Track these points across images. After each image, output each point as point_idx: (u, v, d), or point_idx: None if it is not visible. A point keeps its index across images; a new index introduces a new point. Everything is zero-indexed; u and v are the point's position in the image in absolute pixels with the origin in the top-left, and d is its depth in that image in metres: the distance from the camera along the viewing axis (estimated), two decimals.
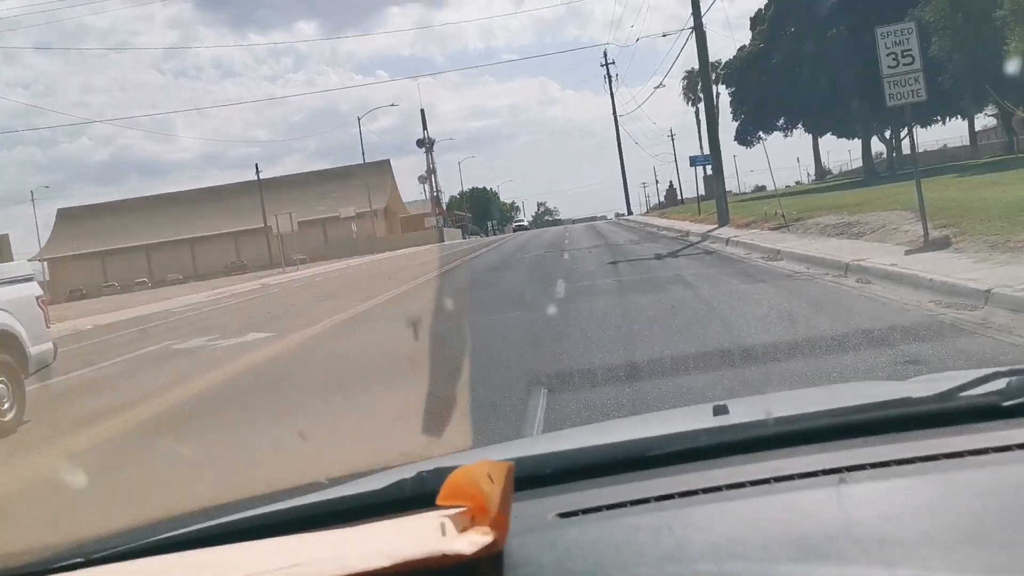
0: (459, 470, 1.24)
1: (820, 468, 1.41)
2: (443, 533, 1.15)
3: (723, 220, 24.94)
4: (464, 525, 1.16)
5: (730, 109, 51.96)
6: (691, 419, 1.90)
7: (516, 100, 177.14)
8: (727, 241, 18.12)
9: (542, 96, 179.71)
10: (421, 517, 1.22)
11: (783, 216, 17.55)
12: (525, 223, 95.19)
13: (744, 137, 52.90)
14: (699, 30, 25.56)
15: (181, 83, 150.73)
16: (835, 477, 1.38)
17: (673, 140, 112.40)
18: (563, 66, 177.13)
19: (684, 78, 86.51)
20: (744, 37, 48.49)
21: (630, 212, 64.16)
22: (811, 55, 37.34)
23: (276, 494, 1.66)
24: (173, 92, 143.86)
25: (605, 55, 64.65)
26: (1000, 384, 1.64)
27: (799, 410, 1.71)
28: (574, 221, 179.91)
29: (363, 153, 79.03)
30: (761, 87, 40.49)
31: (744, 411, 1.84)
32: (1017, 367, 1.75)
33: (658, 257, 17.42)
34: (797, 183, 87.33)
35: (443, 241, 76.78)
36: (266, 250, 79.07)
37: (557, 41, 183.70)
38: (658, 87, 40.52)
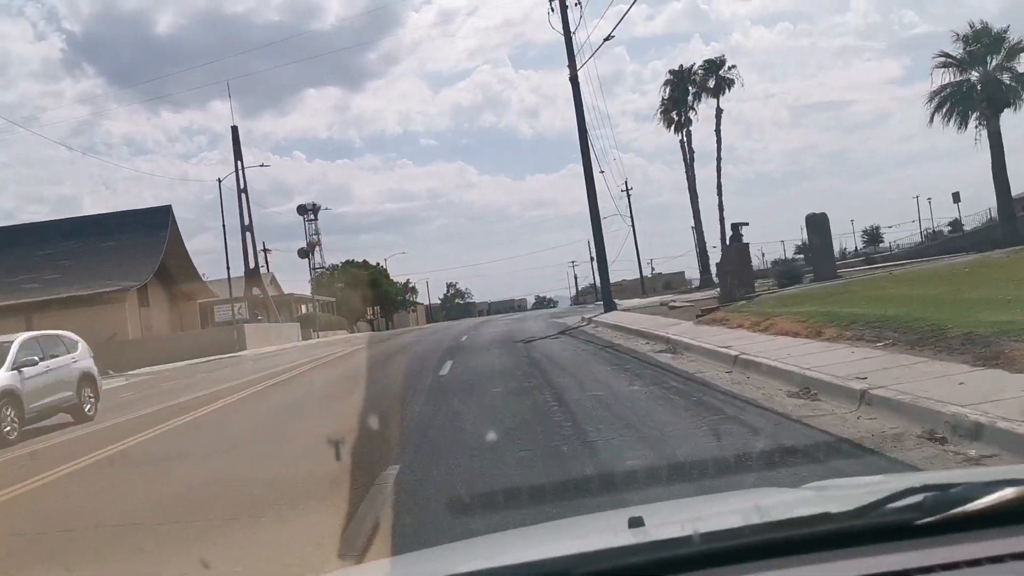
0: None
1: None
2: None
3: None
4: None
5: None
6: (607, 530, 2.03)
7: (434, 184, 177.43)
8: None
9: (460, 180, 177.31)
10: None
11: None
12: None
13: None
14: None
15: (88, 159, 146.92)
16: None
17: (629, 196, 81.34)
18: (480, 151, 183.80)
19: (666, 83, 55.17)
20: None
21: (608, 301, 29.67)
22: None
23: None
24: (80, 167, 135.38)
25: None
26: (916, 499, 1.69)
27: (719, 525, 1.77)
28: (488, 309, 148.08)
29: None
30: None
31: (661, 521, 1.96)
32: (931, 482, 1.83)
33: None
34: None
35: (239, 350, 42.18)
36: None
37: (475, 127, 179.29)
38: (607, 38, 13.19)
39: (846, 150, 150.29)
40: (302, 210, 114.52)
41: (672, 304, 23.54)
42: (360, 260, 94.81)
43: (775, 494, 2.77)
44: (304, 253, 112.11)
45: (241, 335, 44.89)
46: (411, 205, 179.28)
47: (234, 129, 56.45)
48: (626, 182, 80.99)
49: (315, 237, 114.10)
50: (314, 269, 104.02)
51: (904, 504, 1.69)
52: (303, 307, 77.79)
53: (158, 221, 51.51)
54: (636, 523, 1.82)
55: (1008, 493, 1.66)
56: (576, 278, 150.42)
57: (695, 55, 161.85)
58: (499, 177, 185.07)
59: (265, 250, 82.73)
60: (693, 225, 55.80)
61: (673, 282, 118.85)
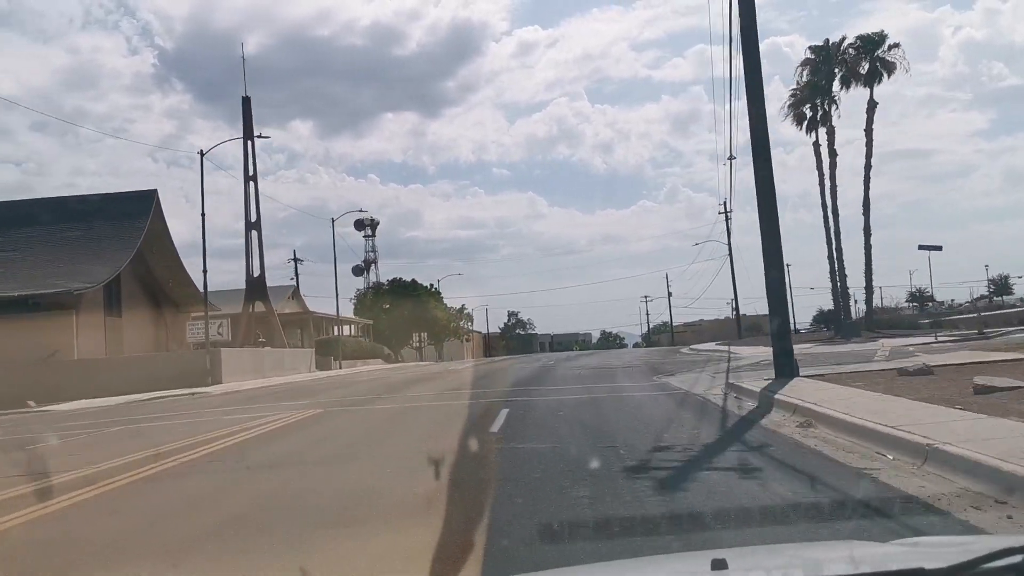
0: None
1: None
2: None
3: None
4: None
5: None
6: (689, 571, 2.01)
7: (504, 213, 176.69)
8: None
9: (529, 211, 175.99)
10: None
11: None
12: None
13: None
14: None
15: (172, 171, 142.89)
16: None
17: (728, 219, 67.93)
18: (552, 183, 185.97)
19: (804, 63, 42.26)
20: None
21: (786, 359, 14.88)
22: None
23: None
24: (164, 180, 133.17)
25: None
26: (1015, 559, 1.63)
27: (813, 573, 1.74)
28: (551, 341, 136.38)
29: None
30: None
31: (746, 566, 1.94)
32: None
33: None
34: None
35: (212, 383, 30.45)
36: None
37: (547, 159, 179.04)
38: None
39: (925, 200, 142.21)
40: (359, 225, 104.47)
41: (984, 383, 10.37)
42: (409, 279, 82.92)
43: (865, 547, 2.62)
44: (359, 271, 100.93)
45: (216, 363, 32.97)
46: (479, 233, 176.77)
47: (245, 101, 45.09)
48: (725, 204, 67.73)
49: (371, 254, 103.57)
50: (368, 288, 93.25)
51: (1001, 564, 1.62)
52: (335, 329, 66.25)
53: (137, 209, 40.19)
54: (719, 565, 1.77)
55: None
56: (648, 315, 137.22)
57: (773, 95, 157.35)
58: (569, 209, 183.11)
59: (295, 260, 71.71)
60: (828, 254, 42.26)
61: (761, 325, 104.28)
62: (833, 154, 40.24)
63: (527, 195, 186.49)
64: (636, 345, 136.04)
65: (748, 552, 2.78)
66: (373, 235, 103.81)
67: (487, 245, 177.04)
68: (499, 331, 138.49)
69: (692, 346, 52.90)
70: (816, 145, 42.96)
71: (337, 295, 51.94)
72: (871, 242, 40.65)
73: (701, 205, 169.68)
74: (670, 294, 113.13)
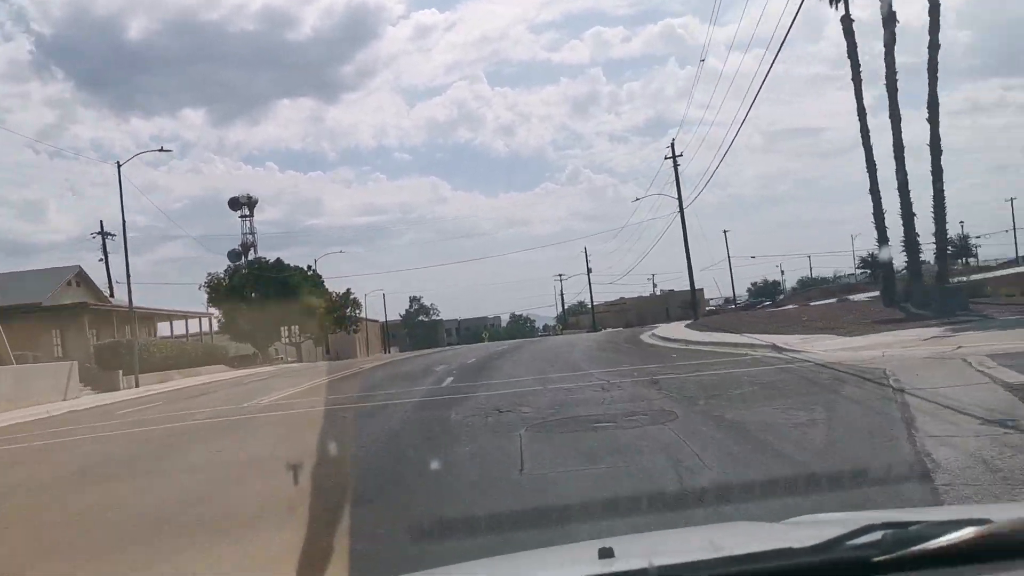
0: None
1: None
2: None
3: None
4: None
5: None
6: (575, 561, 1.96)
7: (406, 198, 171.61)
8: None
9: (432, 195, 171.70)
10: None
11: None
12: None
13: None
14: None
15: (56, 163, 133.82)
16: None
17: (676, 167, 52.76)
18: (455, 166, 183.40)
19: None
20: None
21: None
22: None
23: None
24: (47, 172, 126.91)
25: None
26: (875, 537, 1.63)
27: (681, 559, 1.73)
28: (458, 327, 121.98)
29: None
30: None
31: (630, 552, 1.87)
32: (893, 520, 1.74)
33: None
34: None
35: None
36: None
37: (449, 143, 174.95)
38: None
39: (819, 177, 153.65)
40: (235, 204, 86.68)
41: None
42: (273, 260, 65.01)
43: (749, 529, 2.61)
44: (236, 256, 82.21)
45: None
46: (382, 219, 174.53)
47: None
48: (672, 144, 52.55)
49: (250, 237, 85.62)
50: (226, 273, 74.93)
51: (863, 541, 1.62)
52: (171, 325, 48.61)
53: None
54: (606, 554, 1.78)
55: (968, 533, 1.57)
56: (563, 295, 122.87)
57: (670, 77, 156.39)
58: (473, 193, 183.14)
59: (103, 234, 53.40)
60: (871, 187, 27.15)
61: (699, 302, 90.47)
62: (892, 20, 25.02)
63: (430, 179, 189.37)
64: (546, 327, 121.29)
65: (637, 539, 2.75)
66: (251, 215, 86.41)
67: (391, 231, 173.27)
68: (400, 318, 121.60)
69: (652, 331, 37.43)
70: (847, 21, 27.83)
71: (129, 278, 34.50)
72: (941, 164, 25.70)
73: (601, 184, 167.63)
74: (590, 270, 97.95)
